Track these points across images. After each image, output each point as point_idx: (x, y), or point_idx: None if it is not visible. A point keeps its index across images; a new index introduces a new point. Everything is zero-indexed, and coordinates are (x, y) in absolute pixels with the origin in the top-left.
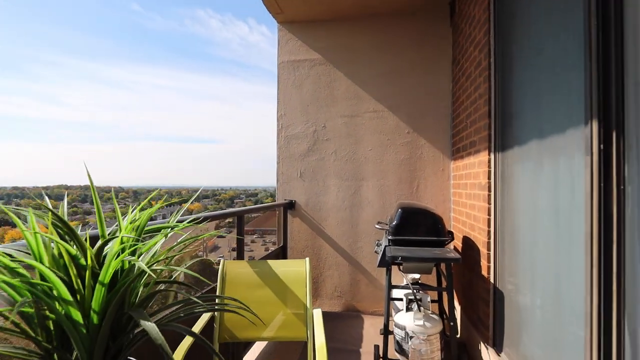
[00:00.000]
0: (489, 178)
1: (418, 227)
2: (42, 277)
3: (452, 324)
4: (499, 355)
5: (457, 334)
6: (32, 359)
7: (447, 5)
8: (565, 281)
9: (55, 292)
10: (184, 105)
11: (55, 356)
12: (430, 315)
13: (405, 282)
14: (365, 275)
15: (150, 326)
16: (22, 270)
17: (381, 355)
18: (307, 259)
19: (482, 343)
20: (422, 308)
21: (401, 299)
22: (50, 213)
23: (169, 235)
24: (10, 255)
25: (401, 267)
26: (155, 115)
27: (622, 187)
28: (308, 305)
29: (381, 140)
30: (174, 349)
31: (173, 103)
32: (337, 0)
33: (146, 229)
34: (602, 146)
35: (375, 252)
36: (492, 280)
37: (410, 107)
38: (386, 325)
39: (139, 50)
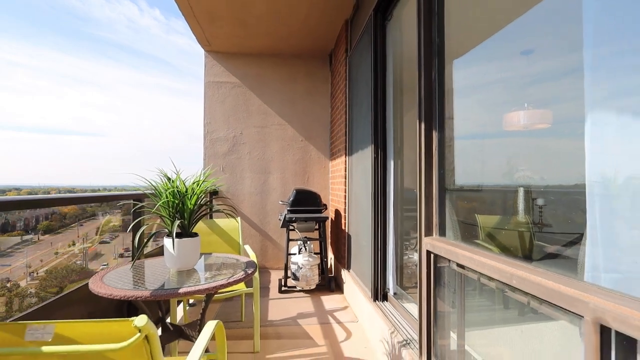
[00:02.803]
0: (345, 171)
1: (306, 202)
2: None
3: (325, 259)
4: (349, 272)
5: (328, 267)
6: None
7: (327, 55)
8: (366, 227)
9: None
10: (55, 89)
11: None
12: (313, 254)
13: (298, 238)
14: (272, 242)
15: None
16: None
17: (283, 284)
18: (239, 218)
19: (342, 268)
20: (307, 251)
21: (295, 253)
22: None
23: None
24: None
25: (295, 227)
26: (15, 100)
27: (384, 174)
28: (240, 243)
29: (283, 145)
30: None
31: (34, 85)
32: (251, 42)
33: None
34: (375, 155)
35: (279, 219)
36: (347, 231)
37: (303, 123)
38: (286, 265)
39: (4, 23)
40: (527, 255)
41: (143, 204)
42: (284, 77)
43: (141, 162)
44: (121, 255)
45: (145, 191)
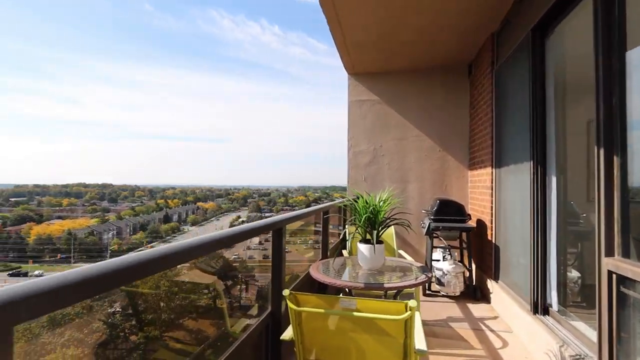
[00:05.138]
0: (492, 182)
1: (449, 212)
2: None
3: (469, 268)
4: (497, 282)
5: (473, 276)
6: None
7: (466, 66)
8: (522, 240)
9: None
10: (194, 104)
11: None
12: (457, 262)
13: (441, 246)
14: (410, 247)
15: None
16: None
17: (427, 288)
18: (412, 301)
19: (487, 279)
20: (452, 258)
21: (439, 260)
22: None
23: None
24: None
25: (439, 235)
26: (165, 114)
27: (543, 188)
28: (395, 247)
29: (420, 155)
30: None
31: (183, 102)
32: (391, 63)
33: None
34: (534, 169)
35: (421, 227)
36: (493, 241)
37: (440, 133)
38: (430, 269)
39: (150, 50)
40: None
41: (329, 215)
42: (421, 91)
43: (263, 163)
44: (248, 248)
45: (337, 203)
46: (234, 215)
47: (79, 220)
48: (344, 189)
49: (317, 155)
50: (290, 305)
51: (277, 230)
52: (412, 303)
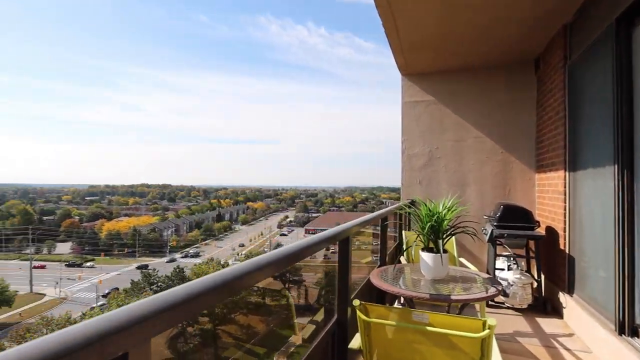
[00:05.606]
0: (565, 187)
1: (514, 218)
2: None
3: (538, 279)
4: (571, 296)
5: (542, 288)
6: None
7: (532, 62)
8: (604, 251)
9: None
10: (244, 108)
11: None
12: (525, 273)
13: (506, 254)
14: (469, 254)
15: None
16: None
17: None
18: (491, 319)
19: (560, 292)
20: (518, 268)
21: (502, 269)
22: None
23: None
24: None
25: (503, 243)
26: (218, 119)
27: (631, 195)
28: (455, 255)
29: (480, 158)
30: None
31: (234, 106)
32: (447, 61)
33: None
34: (619, 175)
35: (483, 233)
36: (567, 251)
37: (502, 134)
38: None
39: (204, 58)
40: None
41: (390, 222)
42: (480, 89)
43: (310, 164)
44: None
45: (394, 209)
46: (282, 215)
47: (142, 217)
48: (391, 189)
49: (364, 155)
50: (360, 315)
51: (344, 240)
52: (491, 321)
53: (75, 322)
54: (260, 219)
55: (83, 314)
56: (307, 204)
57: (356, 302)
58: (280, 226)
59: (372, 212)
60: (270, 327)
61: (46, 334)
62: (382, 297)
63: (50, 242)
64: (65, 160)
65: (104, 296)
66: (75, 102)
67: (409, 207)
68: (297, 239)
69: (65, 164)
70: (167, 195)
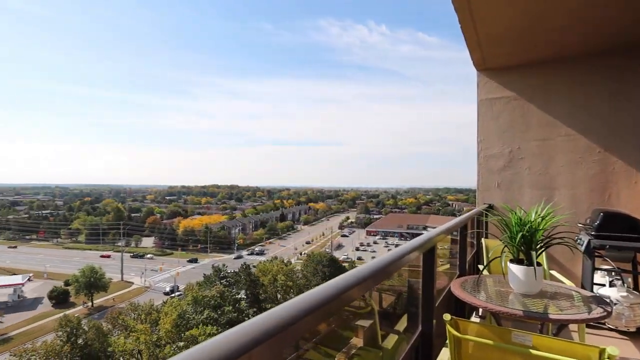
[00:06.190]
0: None
1: (618, 227)
2: None
3: None
4: None
5: None
6: None
7: (638, 48)
8: None
9: None
10: (307, 110)
11: None
12: (632, 290)
13: (606, 267)
14: (557, 264)
15: None
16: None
17: None
18: (611, 348)
19: None
20: (624, 284)
21: (603, 285)
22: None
23: None
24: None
25: (604, 255)
26: (282, 122)
27: None
28: (545, 267)
29: (572, 158)
30: None
31: (297, 109)
32: (532, 53)
33: None
34: None
35: (577, 243)
36: None
37: (601, 131)
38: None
39: (269, 64)
40: None
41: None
42: (572, 82)
43: (372, 165)
44: (357, 249)
45: (473, 214)
46: (343, 216)
47: (213, 216)
48: (459, 191)
49: (428, 155)
50: (450, 330)
51: (429, 251)
52: (612, 350)
53: (157, 309)
54: (322, 219)
55: (164, 302)
56: (368, 205)
57: (447, 317)
58: (341, 227)
59: (437, 214)
60: (332, 327)
61: (133, 317)
62: (461, 308)
63: (137, 236)
64: (146, 163)
65: (167, 294)
66: (155, 110)
67: (493, 214)
68: (358, 240)
69: (147, 167)
70: (234, 196)
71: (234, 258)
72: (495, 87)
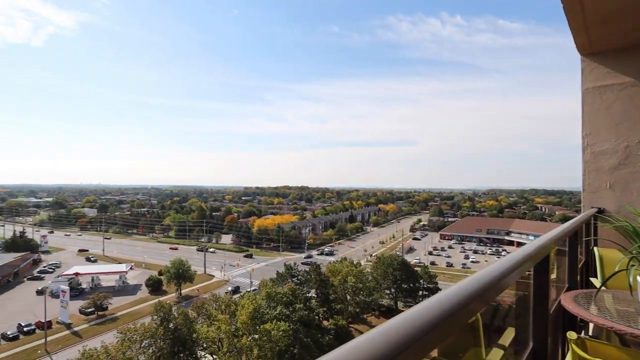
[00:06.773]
0: None
1: None
2: None
3: None
4: None
5: None
6: None
7: None
8: None
9: None
10: (377, 110)
11: None
12: None
13: None
14: None
15: None
16: None
17: None
18: None
19: None
20: None
21: None
22: None
23: None
24: None
25: None
26: (352, 123)
27: None
28: None
29: None
30: None
31: (368, 110)
32: None
33: None
34: None
35: None
36: None
37: None
38: None
39: (338, 66)
40: None
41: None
42: None
43: (447, 165)
44: (430, 253)
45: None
46: (414, 218)
47: (285, 216)
48: (549, 192)
49: (511, 154)
50: (576, 350)
51: (542, 262)
52: None
53: (235, 302)
54: (392, 221)
55: (241, 295)
56: (442, 207)
57: (572, 335)
58: (412, 229)
59: (523, 218)
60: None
61: (215, 307)
62: (571, 324)
63: (217, 233)
64: (225, 166)
65: (234, 292)
66: (232, 117)
67: (608, 220)
68: (431, 243)
69: (226, 169)
70: (305, 197)
71: (304, 257)
72: (606, 73)
